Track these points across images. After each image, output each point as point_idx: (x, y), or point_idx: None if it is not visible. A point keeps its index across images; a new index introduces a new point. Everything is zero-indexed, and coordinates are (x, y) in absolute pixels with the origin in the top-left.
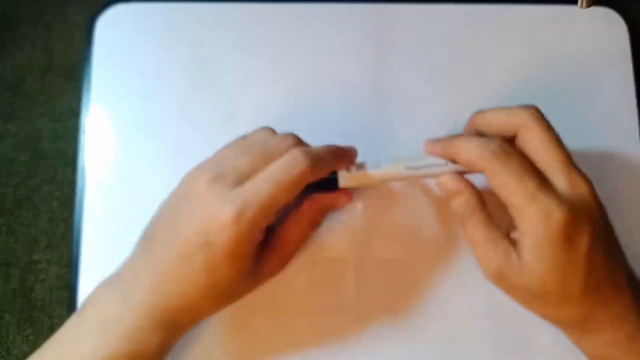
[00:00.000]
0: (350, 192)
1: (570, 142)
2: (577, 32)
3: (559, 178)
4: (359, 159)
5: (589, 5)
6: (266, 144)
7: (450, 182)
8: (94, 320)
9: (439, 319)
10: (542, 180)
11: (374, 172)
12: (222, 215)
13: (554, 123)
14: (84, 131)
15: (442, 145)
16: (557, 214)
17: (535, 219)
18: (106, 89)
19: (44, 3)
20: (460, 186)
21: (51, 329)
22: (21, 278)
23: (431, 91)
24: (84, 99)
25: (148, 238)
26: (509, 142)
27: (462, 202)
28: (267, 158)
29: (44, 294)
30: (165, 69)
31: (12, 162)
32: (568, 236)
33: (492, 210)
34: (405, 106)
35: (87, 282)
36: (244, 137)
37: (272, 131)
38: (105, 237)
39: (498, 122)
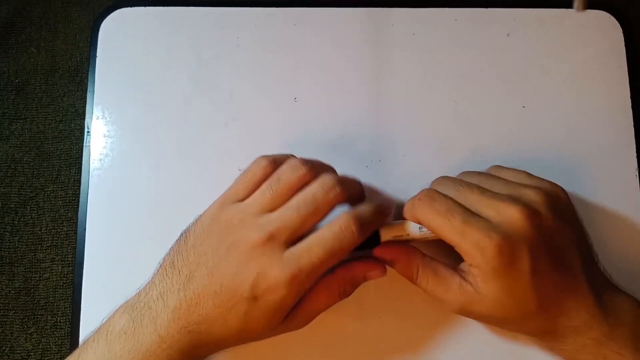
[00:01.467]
0: (384, 266)
1: (564, 143)
2: (572, 35)
3: (484, 211)
4: (358, 160)
5: (584, 8)
6: (313, 196)
7: (386, 254)
8: (125, 352)
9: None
10: (468, 214)
11: (412, 226)
12: (276, 276)
13: (549, 123)
14: (87, 132)
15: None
16: (489, 245)
17: (471, 252)
18: (109, 91)
19: (49, 6)
20: (395, 254)
21: (55, 327)
22: (25, 277)
23: (428, 94)
24: (88, 100)
25: (183, 273)
26: None
27: (402, 267)
28: (316, 214)
29: (48, 292)
30: (167, 71)
31: (16, 162)
32: (507, 261)
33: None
34: (403, 108)
35: (91, 280)
36: (278, 178)
37: (306, 166)
38: (108, 237)
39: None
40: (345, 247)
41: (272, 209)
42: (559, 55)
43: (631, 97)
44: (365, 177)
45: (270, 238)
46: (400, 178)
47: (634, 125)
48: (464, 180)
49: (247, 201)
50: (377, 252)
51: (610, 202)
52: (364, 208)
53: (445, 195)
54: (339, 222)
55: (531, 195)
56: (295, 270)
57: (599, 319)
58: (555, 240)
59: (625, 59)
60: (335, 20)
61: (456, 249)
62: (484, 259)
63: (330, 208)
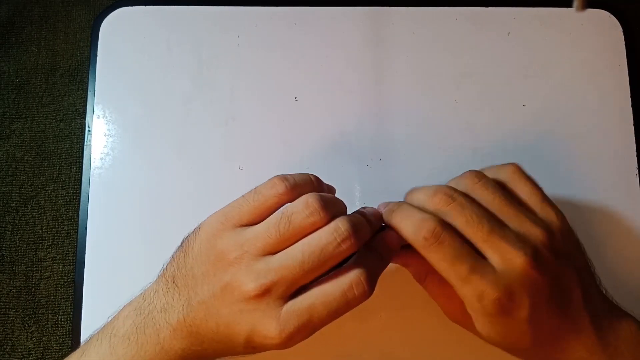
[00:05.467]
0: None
1: (564, 143)
2: (572, 34)
3: (490, 254)
4: (359, 159)
5: (584, 7)
6: (322, 249)
7: (398, 258)
8: (128, 358)
9: None
10: (475, 261)
11: None
12: (271, 332)
13: (549, 122)
14: (88, 131)
15: (385, 214)
16: (489, 295)
17: (470, 299)
18: (110, 90)
19: (49, 5)
20: (407, 260)
21: (56, 326)
22: (26, 275)
23: (428, 94)
24: (88, 99)
25: (183, 295)
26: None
27: (413, 270)
28: (321, 267)
29: (49, 291)
30: (167, 70)
31: (17, 162)
32: (504, 311)
33: None
34: (403, 108)
35: (92, 279)
36: (288, 219)
37: (324, 211)
38: (109, 235)
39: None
40: (352, 306)
41: (274, 252)
42: (559, 54)
43: (631, 97)
44: (366, 177)
45: (266, 291)
46: (400, 177)
47: (634, 125)
48: (474, 209)
49: (248, 233)
50: (396, 259)
51: (610, 202)
52: (376, 258)
53: (452, 235)
54: (349, 277)
55: (539, 237)
56: (293, 329)
57: (598, 352)
58: (558, 282)
59: (625, 58)
60: (335, 20)
61: (455, 291)
62: (481, 307)
63: (339, 261)
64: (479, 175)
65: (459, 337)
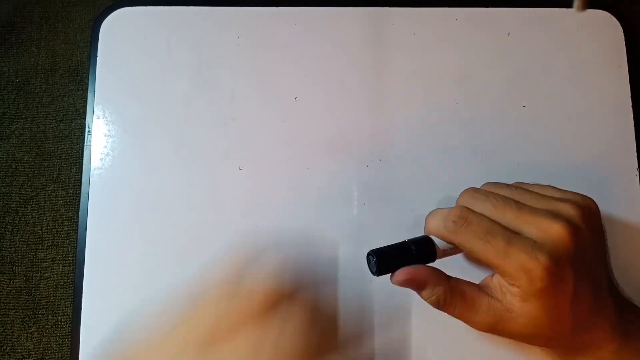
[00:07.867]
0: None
1: (565, 143)
2: (572, 35)
3: (525, 228)
4: (358, 160)
5: (584, 7)
6: None
7: (414, 275)
8: None
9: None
10: (509, 234)
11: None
12: None
13: (549, 122)
14: (88, 131)
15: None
16: (537, 266)
17: (515, 274)
18: (110, 90)
19: (49, 5)
20: (423, 276)
21: (55, 327)
22: (26, 276)
23: (428, 94)
24: (88, 99)
25: None
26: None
27: (428, 293)
28: None
29: (49, 291)
30: (167, 71)
31: (17, 162)
32: (553, 284)
33: None
34: (403, 108)
35: (92, 280)
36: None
37: None
38: (109, 236)
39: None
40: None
41: None
42: (559, 55)
43: (631, 97)
44: (366, 177)
45: None
46: (400, 178)
47: (634, 125)
48: (498, 194)
49: None
50: (402, 274)
51: (610, 202)
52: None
53: (480, 215)
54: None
55: (569, 210)
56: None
57: (618, 332)
58: (590, 257)
59: (626, 58)
60: (335, 20)
61: (497, 270)
62: (529, 280)
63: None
64: (490, 183)
65: (459, 337)
